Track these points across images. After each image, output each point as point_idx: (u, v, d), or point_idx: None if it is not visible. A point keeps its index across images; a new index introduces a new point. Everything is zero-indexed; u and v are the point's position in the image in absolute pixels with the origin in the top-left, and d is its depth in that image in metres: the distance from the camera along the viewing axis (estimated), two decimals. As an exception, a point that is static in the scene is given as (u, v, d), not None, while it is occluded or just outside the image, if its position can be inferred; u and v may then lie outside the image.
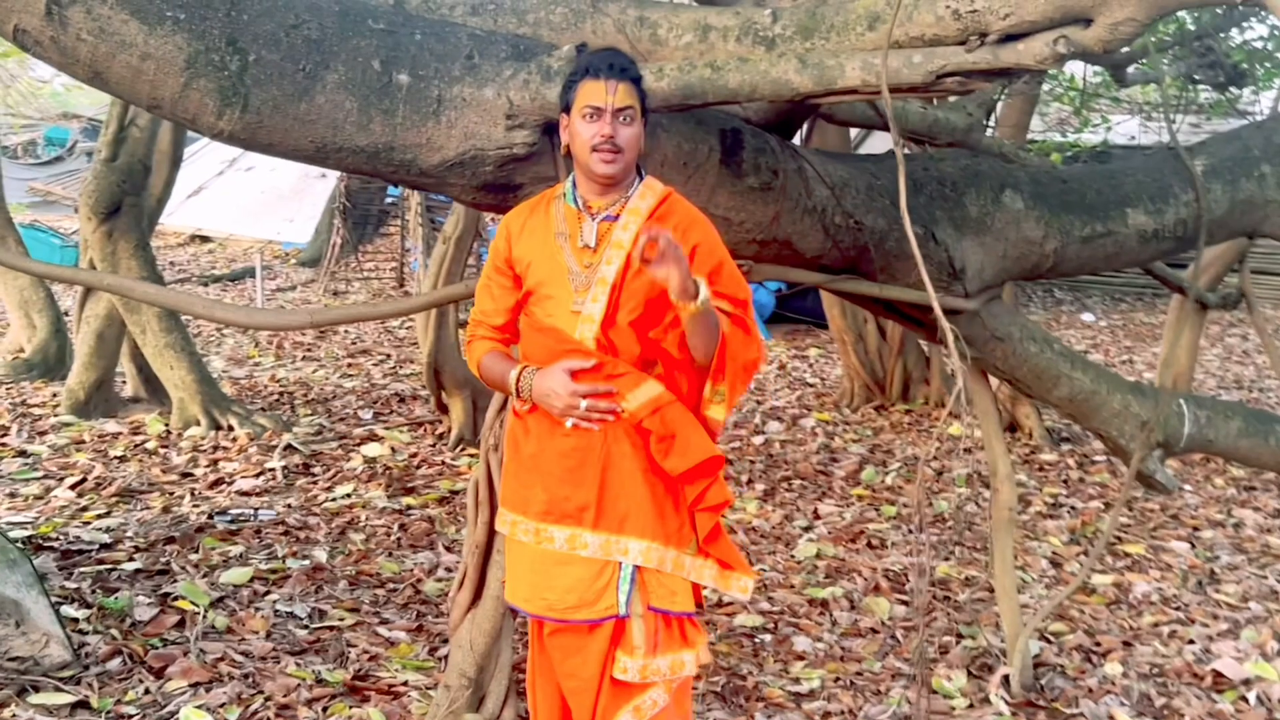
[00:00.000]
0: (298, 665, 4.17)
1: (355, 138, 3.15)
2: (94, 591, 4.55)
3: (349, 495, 6.12)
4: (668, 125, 3.36)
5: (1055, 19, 2.84)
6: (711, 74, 3.06)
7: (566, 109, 2.83)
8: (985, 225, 3.94)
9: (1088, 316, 14.91)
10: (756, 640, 4.70)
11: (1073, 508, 6.73)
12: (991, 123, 8.38)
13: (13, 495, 5.82)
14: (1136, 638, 4.93)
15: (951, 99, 7.09)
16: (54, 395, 7.71)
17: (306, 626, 4.52)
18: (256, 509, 5.78)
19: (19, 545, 4.95)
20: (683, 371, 2.90)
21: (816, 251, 3.73)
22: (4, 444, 6.67)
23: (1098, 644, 4.84)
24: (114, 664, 4.05)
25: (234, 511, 5.71)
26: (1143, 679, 4.52)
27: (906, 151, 5.16)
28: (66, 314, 8.96)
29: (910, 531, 6.21)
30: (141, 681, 3.96)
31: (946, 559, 5.78)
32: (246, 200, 16.98)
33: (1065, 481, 7.29)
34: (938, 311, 2.73)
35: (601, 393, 2.77)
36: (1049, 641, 4.85)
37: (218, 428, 7.13)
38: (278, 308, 11.80)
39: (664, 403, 2.80)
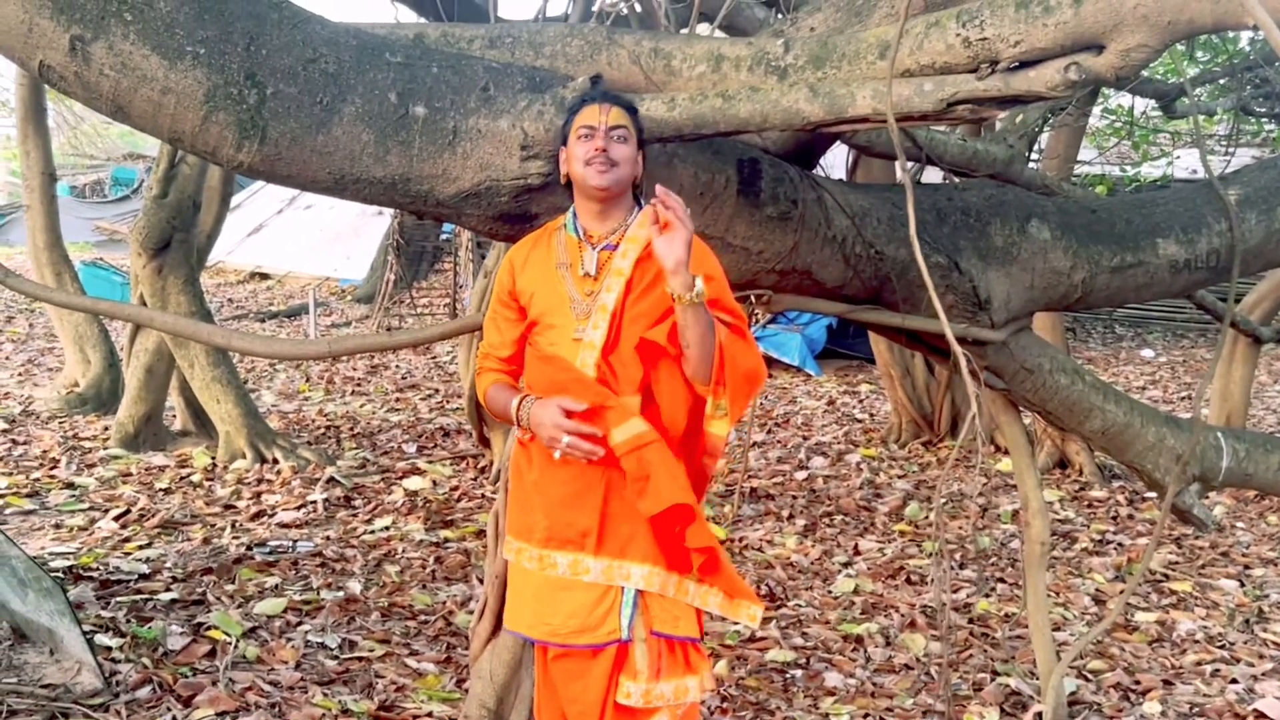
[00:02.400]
0: (325, 695, 4.18)
1: (372, 169, 3.18)
2: (129, 621, 4.60)
3: (387, 528, 6.15)
4: (684, 155, 3.37)
5: (1066, 46, 2.81)
6: (723, 104, 3.07)
7: (565, 140, 2.94)
8: (1011, 255, 3.90)
9: (1148, 352, 14.72)
10: (787, 675, 4.66)
11: (1120, 544, 6.62)
12: (1037, 155, 8.35)
13: (58, 526, 5.91)
14: (1178, 676, 4.83)
15: (998, 127, 7.06)
16: (105, 429, 7.83)
17: (336, 657, 4.53)
18: (295, 541, 5.82)
19: (59, 575, 5.04)
20: (680, 398, 2.90)
21: (837, 281, 3.71)
22: (53, 476, 6.78)
23: (1137, 682, 4.74)
24: (143, 692, 4.08)
25: (273, 543, 5.76)
26: (1181, 718, 4.43)
27: (934, 182, 5.14)
28: (122, 349, 9.12)
29: (952, 567, 6.13)
30: (169, 710, 3.99)
31: (987, 595, 5.70)
32: (305, 238, 17.22)
33: (1114, 518, 7.18)
34: (949, 336, 2.70)
35: (587, 434, 2.77)
36: (1087, 679, 4.76)
37: (263, 461, 7.21)
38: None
39: (645, 442, 2.78)
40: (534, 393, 2.90)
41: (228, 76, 3.05)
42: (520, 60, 3.45)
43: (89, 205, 23.13)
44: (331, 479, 6.90)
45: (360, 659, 4.53)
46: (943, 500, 7.36)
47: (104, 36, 3.01)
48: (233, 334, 3.23)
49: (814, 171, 3.86)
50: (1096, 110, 11.67)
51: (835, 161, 10.14)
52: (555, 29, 3.50)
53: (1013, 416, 4.33)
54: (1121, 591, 5.76)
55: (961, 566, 6.15)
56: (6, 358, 10.65)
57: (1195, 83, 9.21)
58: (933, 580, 5.86)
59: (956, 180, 4.84)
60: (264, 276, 17.20)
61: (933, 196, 3.94)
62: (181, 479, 6.91)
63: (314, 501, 6.50)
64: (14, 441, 7.51)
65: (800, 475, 7.78)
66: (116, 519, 6.02)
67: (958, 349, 2.69)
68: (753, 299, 3.70)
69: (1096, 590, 5.83)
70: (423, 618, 4.99)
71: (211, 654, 4.43)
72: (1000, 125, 7.11)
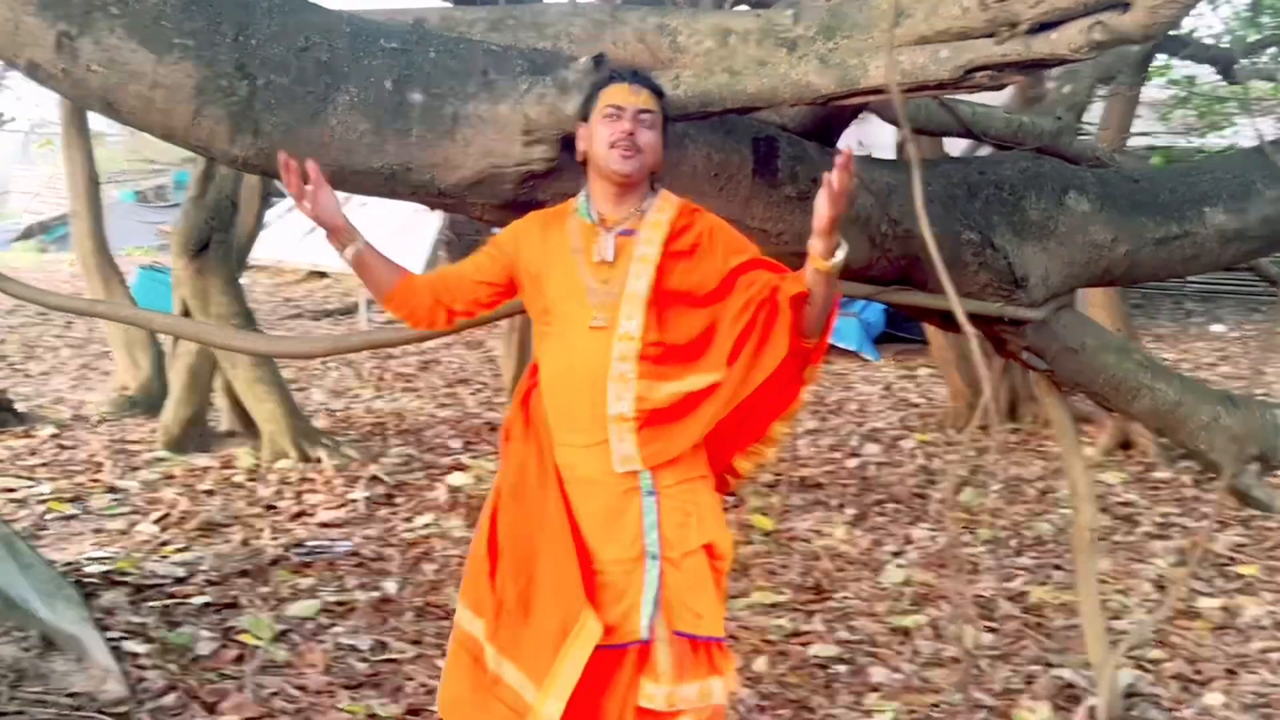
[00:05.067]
0: (352, 699, 4.10)
1: (370, 160, 3.09)
2: (158, 626, 4.54)
3: (428, 526, 6.06)
4: (696, 135, 3.24)
5: (1090, 4, 2.66)
6: (729, 79, 2.94)
7: (585, 118, 2.81)
8: (1048, 230, 3.72)
9: (1219, 327, 14.32)
10: (830, 670, 4.51)
11: (1183, 528, 6.39)
12: (1090, 126, 8.10)
13: (98, 531, 5.88)
14: (1243, 665, 4.62)
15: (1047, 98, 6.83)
16: (152, 431, 7.80)
17: (367, 660, 4.45)
18: (334, 541, 5.76)
19: (94, 580, 5.01)
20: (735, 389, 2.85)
21: (863, 262, 3.55)
22: (97, 480, 6.76)
23: (1198, 672, 4.54)
24: (169, 699, 4.01)
25: (311, 543, 5.69)
26: (1245, 709, 4.23)
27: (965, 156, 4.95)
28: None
29: (1008, 554, 5.95)
30: (194, 717, 3.92)
31: (1043, 583, 5.51)
32: (362, 235, 17.22)
33: (1179, 500, 6.94)
34: (959, 314, 2.54)
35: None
36: (1146, 670, 4.57)
37: (306, 460, 7.15)
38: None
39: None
40: (544, 383, 2.88)
41: (217, 69, 2.97)
42: (523, 42, 3.33)
43: (153, 210, 23.35)
44: (374, 477, 6.84)
45: (391, 661, 4.44)
46: (999, 485, 7.16)
47: (90, 32, 2.94)
48: (234, 333, 3.16)
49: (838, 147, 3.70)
50: (1160, 80, 11.34)
51: (885, 142, 9.95)
52: (559, 8, 3.40)
53: (1057, 398, 4.15)
54: (1189, 576, 5.55)
55: (1018, 554, 5.96)
56: (63, 363, 10.73)
57: (1257, 47, 8.88)
58: (986, 569, 5.68)
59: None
60: (322, 275, 17.24)
61: (964, 170, 3.78)
62: (224, 480, 6.87)
63: (355, 500, 6.44)
64: (61, 446, 7.52)
65: (852, 463, 7.60)
66: (156, 522, 5.99)
67: (968, 327, 2.53)
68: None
69: (1158, 576, 5.61)
70: (458, 617, 4.90)
71: (240, 659, 4.36)
72: (1049, 96, 6.90)
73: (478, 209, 3.23)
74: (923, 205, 2.48)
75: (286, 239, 17.42)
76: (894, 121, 4.37)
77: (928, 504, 6.75)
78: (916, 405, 9.57)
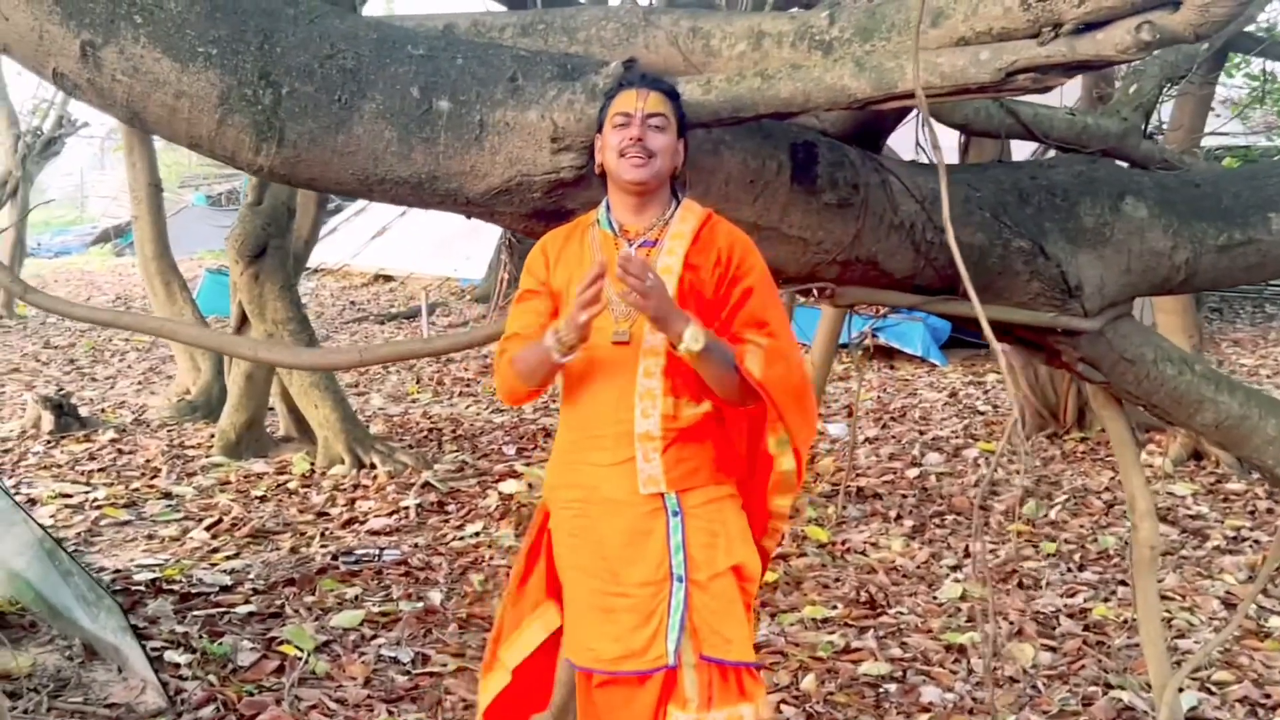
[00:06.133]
0: (390, 714, 4.05)
1: (397, 168, 3.02)
2: (201, 636, 4.53)
3: (478, 534, 6.01)
4: (731, 142, 3.13)
5: (1137, 3, 2.52)
6: (762, 84, 2.83)
7: (600, 128, 2.75)
8: (1103, 237, 3.57)
9: (1298, 332, 13.93)
10: (880, 690, 4.38)
11: (1256, 542, 6.17)
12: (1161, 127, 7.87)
13: (150, 537, 5.90)
14: (1314, 688, 4.43)
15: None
16: (211, 436, 7.85)
17: (408, 672, 4.40)
18: (382, 549, 5.72)
19: (141, 588, 5.01)
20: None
21: (907, 271, 3.44)
22: (153, 485, 6.80)
23: (1267, 695, 4.36)
24: (207, 711, 3.99)
25: (359, 552, 5.67)
26: (1315, 737, 4.05)
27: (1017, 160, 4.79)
28: (234, 356, 9.15)
29: (1070, 569, 5.77)
30: (230, 729, 3.90)
31: (1106, 600, 5.34)
32: (426, 239, 17.29)
33: (1251, 513, 6.70)
34: (985, 329, 2.43)
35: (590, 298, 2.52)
36: (1210, 693, 4.40)
37: (360, 466, 7.14)
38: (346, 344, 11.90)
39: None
40: (566, 399, 2.81)
41: (241, 77, 2.92)
42: (554, 47, 3.26)
43: (224, 213, 23.68)
44: (427, 484, 6.80)
45: (432, 674, 4.39)
46: (1065, 496, 6.97)
47: (114, 40, 2.90)
48: (259, 344, 3.11)
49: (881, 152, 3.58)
50: (1238, 78, 11.03)
51: (949, 144, 9.74)
52: (590, 12, 3.31)
53: (1115, 410, 3.99)
54: (1259, 594, 5.35)
55: (1081, 568, 5.79)
56: (129, 366, 10.85)
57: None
58: (1047, 584, 5.51)
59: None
60: (388, 278, 17.37)
61: (1014, 175, 3.64)
62: (278, 486, 6.88)
63: (407, 507, 6.41)
64: (120, 451, 7.58)
65: (912, 473, 7.44)
66: (208, 529, 6.00)
67: (996, 345, 2.41)
68: (815, 293, 3.46)
69: (1227, 592, 5.42)
70: (502, 629, 4.83)
71: (281, 670, 4.33)
72: (1116, 96, 6.69)
73: (505, 218, 3.16)
74: (948, 214, 2.37)
75: (353, 243, 17.57)
76: (947, 124, 4.26)
77: (989, 516, 6.59)
78: (982, 413, 9.37)
